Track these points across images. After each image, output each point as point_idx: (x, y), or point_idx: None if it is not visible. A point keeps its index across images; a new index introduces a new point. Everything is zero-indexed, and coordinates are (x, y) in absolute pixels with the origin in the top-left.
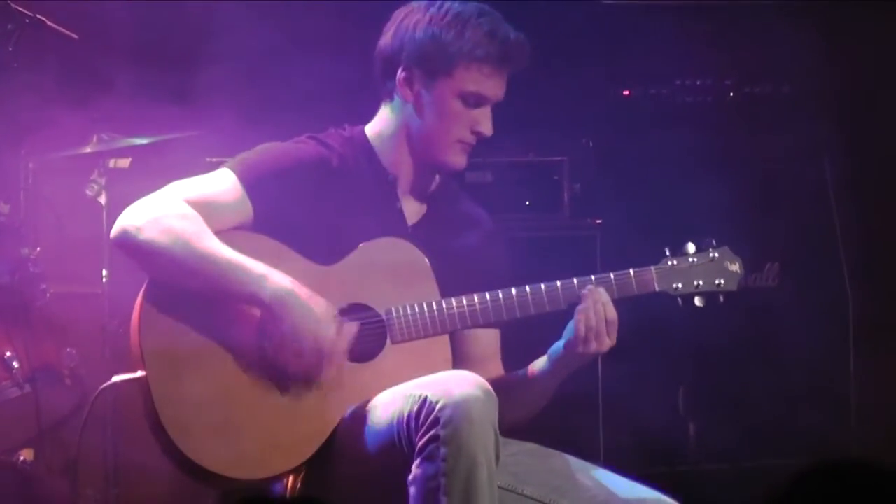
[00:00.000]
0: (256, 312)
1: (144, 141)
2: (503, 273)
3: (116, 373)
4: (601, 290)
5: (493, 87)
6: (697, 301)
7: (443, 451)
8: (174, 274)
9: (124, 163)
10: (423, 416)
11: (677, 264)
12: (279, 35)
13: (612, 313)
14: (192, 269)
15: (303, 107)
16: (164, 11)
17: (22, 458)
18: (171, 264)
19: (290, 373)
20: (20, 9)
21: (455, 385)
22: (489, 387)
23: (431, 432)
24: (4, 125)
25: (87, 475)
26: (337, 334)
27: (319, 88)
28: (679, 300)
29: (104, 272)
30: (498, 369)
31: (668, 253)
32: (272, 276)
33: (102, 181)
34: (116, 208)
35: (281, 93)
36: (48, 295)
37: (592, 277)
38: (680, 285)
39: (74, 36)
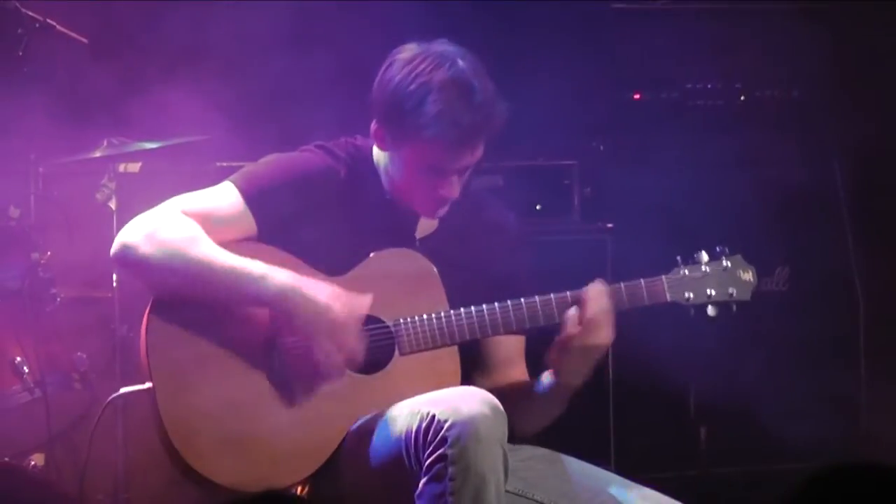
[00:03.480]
0: (262, 321)
1: (154, 145)
2: (525, 281)
3: (126, 377)
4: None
5: (452, 162)
6: (710, 311)
7: (450, 470)
8: (174, 285)
9: (134, 167)
10: (430, 434)
11: (689, 273)
12: (293, 39)
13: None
14: (191, 278)
15: (314, 112)
16: (174, 15)
17: (33, 462)
18: (170, 276)
19: (313, 360)
20: (30, 13)
21: (463, 403)
22: (498, 403)
23: (439, 451)
24: (15, 129)
25: (97, 480)
26: (348, 313)
27: (331, 93)
28: (691, 310)
29: (114, 276)
30: (520, 374)
31: (679, 262)
32: (272, 273)
33: (112, 186)
34: (126, 213)
35: (292, 98)
36: (58, 299)
37: None
38: (692, 295)
39: (84, 40)
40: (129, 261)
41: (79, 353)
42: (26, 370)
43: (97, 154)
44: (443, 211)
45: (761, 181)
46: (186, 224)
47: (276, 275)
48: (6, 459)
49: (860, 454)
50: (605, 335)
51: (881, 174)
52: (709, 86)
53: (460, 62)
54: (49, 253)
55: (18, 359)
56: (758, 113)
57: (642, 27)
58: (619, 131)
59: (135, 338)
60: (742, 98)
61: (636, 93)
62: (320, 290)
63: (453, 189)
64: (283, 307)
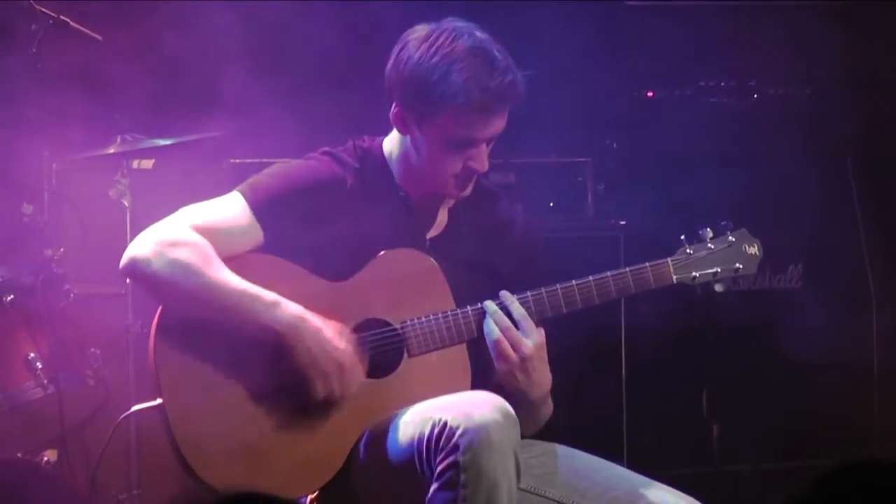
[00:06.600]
0: (271, 334)
1: (168, 142)
2: (536, 277)
3: (139, 374)
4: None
5: (482, 129)
6: (717, 287)
7: (462, 477)
8: (184, 305)
9: (148, 164)
10: (442, 440)
11: (694, 253)
12: (304, 37)
13: (518, 311)
14: (201, 301)
15: (325, 109)
16: (187, 12)
17: (45, 458)
18: (180, 296)
19: (313, 396)
20: (44, 10)
21: (476, 409)
22: (510, 409)
23: (451, 458)
24: (28, 126)
25: (110, 476)
26: (354, 349)
27: (343, 91)
28: (698, 289)
29: None
30: None
31: (684, 240)
32: (283, 304)
33: (126, 182)
34: (140, 209)
35: (305, 95)
36: (71, 296)
37: (609, 273)
38: (697, 274)
39: (98, 37)
40: (139, 275)
41: (92, 349)
42: (39, 366)
43: (110, 150)
44: (469, 189)
45: (774, 178)
46: (198, 243)
47: (287, 305)
48: (19, 455)
49: (874, 451)
50: (525, 347)
51: (894, 170)
52: (722, 83)
53: (477, 33)
54: (62, 249)
55: (31, 355)
56: (771, 110)
57: (656, 24)
58: (632, 128)
59: (148, 335)
60: (755, 96)
61: (650, 90)
62: (328, 324)
63: (483, 160)
64: (291, 337)
